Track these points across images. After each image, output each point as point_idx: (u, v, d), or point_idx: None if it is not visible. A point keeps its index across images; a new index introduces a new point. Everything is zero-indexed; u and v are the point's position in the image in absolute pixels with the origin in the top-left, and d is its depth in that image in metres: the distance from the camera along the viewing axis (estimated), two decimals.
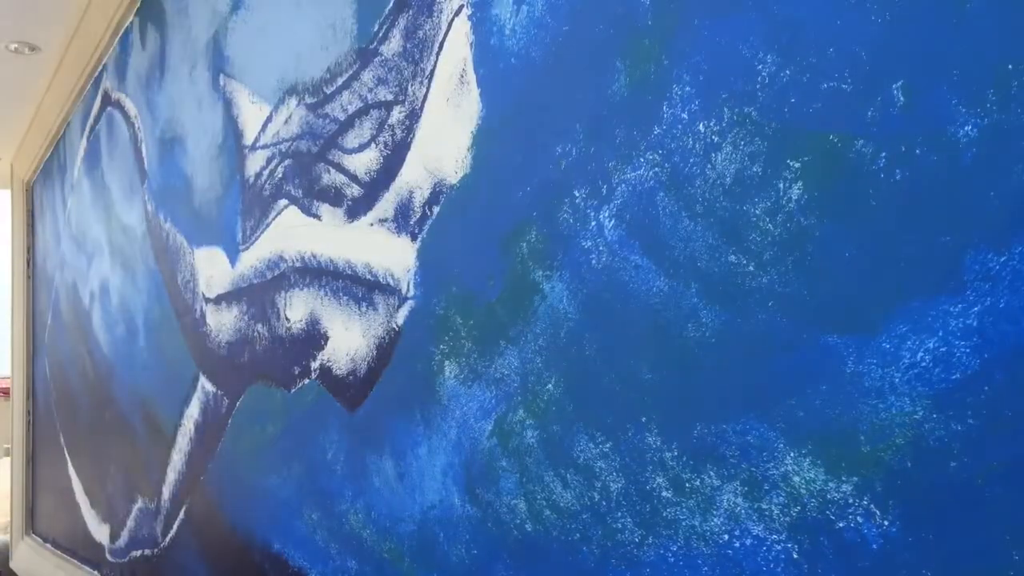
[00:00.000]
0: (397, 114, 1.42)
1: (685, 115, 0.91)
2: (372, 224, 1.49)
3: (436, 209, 1.32)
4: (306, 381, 1.73)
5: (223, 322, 2.21)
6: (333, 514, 1.64)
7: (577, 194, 1.05)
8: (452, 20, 1.28)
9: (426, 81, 1.34)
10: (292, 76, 1.81)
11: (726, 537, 0.86)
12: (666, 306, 0.92)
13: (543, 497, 1.10)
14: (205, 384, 2.33)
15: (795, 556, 0.79)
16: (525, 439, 1.13)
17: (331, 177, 1.64)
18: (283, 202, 1.85)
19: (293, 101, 1.80)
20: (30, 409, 4.82)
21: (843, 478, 0.75)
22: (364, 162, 1.52)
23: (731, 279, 0.85)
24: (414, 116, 1.37)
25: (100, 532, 3.38)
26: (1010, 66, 0.64)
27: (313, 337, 1.71)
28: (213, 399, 2.26)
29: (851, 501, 0.74)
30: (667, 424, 0.93)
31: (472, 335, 1.24)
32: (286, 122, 1.84)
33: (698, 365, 0.89)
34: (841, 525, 0.75)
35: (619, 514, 0.98)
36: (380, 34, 1.47)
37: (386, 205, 1.45)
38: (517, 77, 1.15)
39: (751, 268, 0.83)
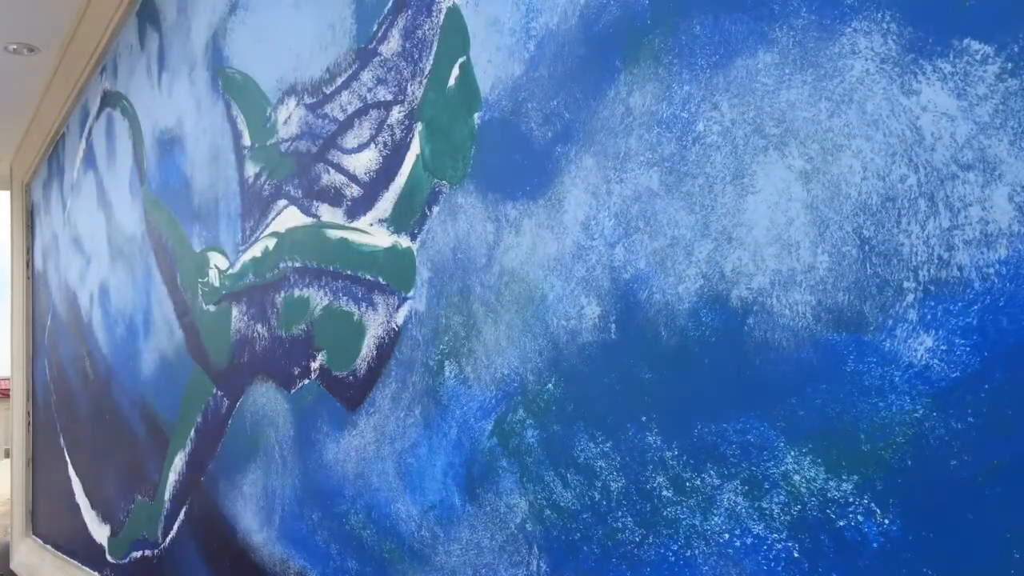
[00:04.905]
0: (396, 114, 1.42)
1: (685, 114, 0.91)
2: (372, 224, 1.49)
3: (435, 209, 1.32)
4: (306, 381, 1.73)
5: (223, 323, 2.20)
6: (333, 514, 1.64)
7: (577, 194, 1.05)
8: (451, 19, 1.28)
9: (425, 81, 1.34)
10: (291, 76, 1.81)
11: (726, 536, 0.86)
12: (666, 305, 0.92)
13: (543, 497, 1.10)
14: None
15: (795, 555, 0.79)
16: (525, 439, 1.13)
17: (330, 177, 1.64)
18: (283, 202, 1.85)
19: (292, 101, 1.80)
20: (30, 410, 4.82)
21: (843, 477, 0.75)
22: (363, 162, 1.52)
23: (731, 278, 0.85)
24: (413, 116, 1.37)
25: (100, 533, 3.38)
26: None
27: (313, 337, 1.71)
28: (213, 400, 2.26)
29: (851, 500, 0.75)
30: (667, 423, 0.93)
31: (472, 335, 1.24)
32: (285, 122, 1.84)
33: (698, 365, 0.89)
34: (842, 524, 0.75)
35: (619, 513, 0.98)
36: (379, 34, 1.47)
37: (385, 205, 1.45)
38: (517, 76, 1.15)
39: (751, 267, 0.83)
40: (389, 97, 1.44)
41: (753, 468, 0.83)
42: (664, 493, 0.93)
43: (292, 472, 1.82)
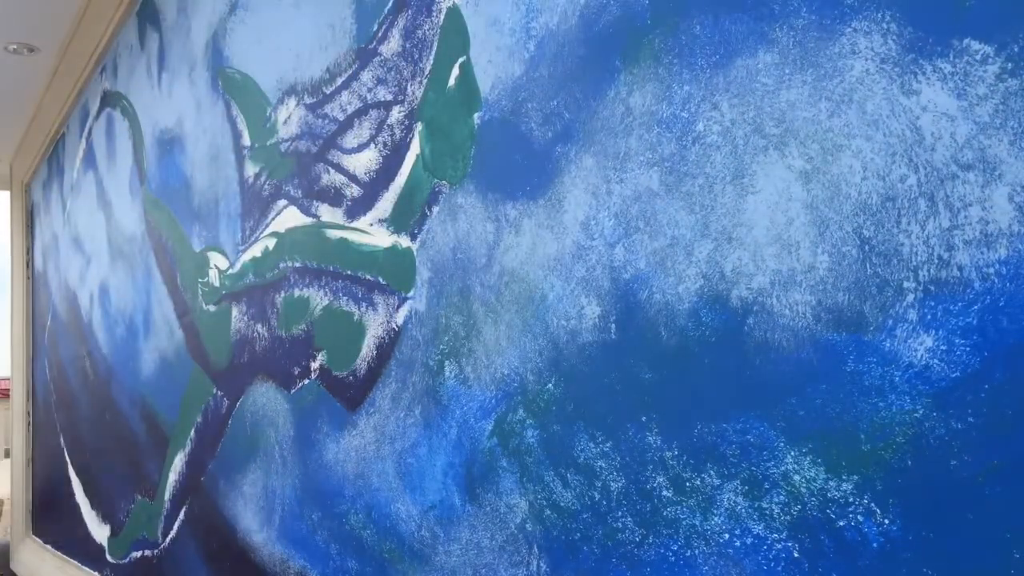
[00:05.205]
0: (396, 114, 1.42)
1: (685, 114, 0.91)
2: (372, 224, 1.49)
3: (435, 209, 1.32)
4: (306, 381, 1.73)
5: (223, 323, 2.20)
6: (333, 514, 1.64)
7: (577, 194, 1.05)
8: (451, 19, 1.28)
9: (425, 81, 1.34)
10: (291, 76, 1.81)
11: (726, 536, 0.86)
12: (666, 305, 0.92)
13: (543, 497, 1.10)
14: None
15: (795, 555, 0.79)
16: (525, 439, 1.13)
17: (330, 177, 1.64)
18: (282, 202, 1.85)
19: (292, 101, 1.80)
20: (30, 410, 4.82)
21: (843, 477, 0.75)
22: (363, 162, 1.52)
23: (731, 278, 0.85)
24: (413, 116, 1.37)
25: (100, 533, 3.38)
26: None
27: (313, 337, 1.71)
28: (213, 400, 2.26)
29: (851, 500, 0.75)
30: (667, 423, 0.93)
31: (472, 335, 1.24)
32: (285, 122, 1.84)
33: (698, 365, 0.89)
34: (841, 524, 0.75)
35: (619, 513, 0.98)
36: (379, 34, 1.47)
37: (385, 205, 1.45)
38: (517, 77, 1.15)
39: (751, 267, 0.83)
40: (389, 97, 1.44)
41: (753, 468, 0.83)
42: (664, 493, 0.93)
43: (292, 472, 1.82)
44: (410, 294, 1.39)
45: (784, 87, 0.81)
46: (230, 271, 2.15)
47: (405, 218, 1.40)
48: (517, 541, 1.15)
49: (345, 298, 1.59)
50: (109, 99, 3.26)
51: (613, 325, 0.99)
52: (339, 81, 1.61)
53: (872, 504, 0.73)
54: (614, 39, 1.00)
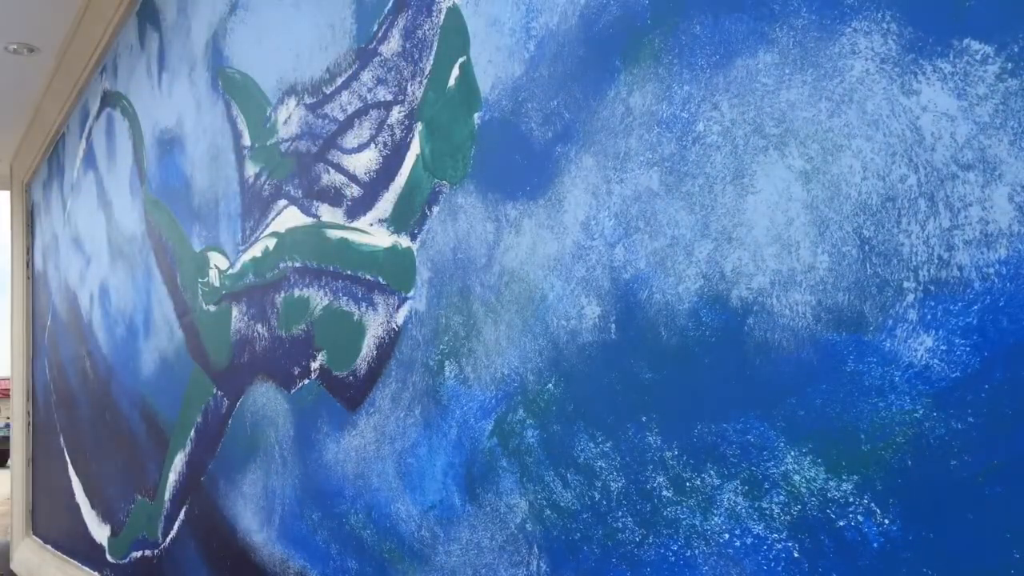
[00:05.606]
0: (396, 114, 1.42)
1: (685, 114, 0.91)
2: (372, 224, 1.49)
3: (435, 209, 1.32)
4: (306, 381, 1.73)
5: (223, 323, 2.20)
6: (333, 514, 1.64)
7: (577, 194, 1.05)
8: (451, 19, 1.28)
9: (425, 81, 1.34)
10: (291, 76, 1.81)
11: (727, 536, 0.86)
12: (666, 305, 0.92)
13: (543, 497, 1.10)
14: None
15: (795, 555, 0.79)
16: (525, 439, 1.13)
17: (330, 177, 1.64)
18: (283, 202, 1.85)
19: (292, 101, 1.80)
20: (30, 410, 4.82)
21: (843, 477, 0.75)
22: (363, 162, 1.52)
23: (731, 278, 0.85)
24: (413, 116, 1.37)
25: (100, 533, 3.38)
26: None
27: (313, 337, 1.71)
28: (213, 400, 2.26)
29: (851, 500, 0.75)
30: (667, 423, 0.93)
31: (472, 335, 1.24)
32: (285, 122, 1.84)
33: (698, 365, 0.89)
34: (842, 524, 0.75)
35: (619, 513, 0.98)
36: (379, 34, 1.47)
37: (385, 205, 1.45)
38: (517, 77, 1.15)
39: (751, 267, 0.83)
40: (389, 97, 1.44)
41: (753, 468, 0.83)
42: (664, 493, 0.93)
43: (292, 472, 1.82)
44: (410, 294, 1.39)
45: (784, 87, 0.81)
46: (230, 271, 2.15)
47: (405, 218, 1.40)
48: (517, 541, 1.15)
49: (345, 298, 1.59)
50: (109, 99, 3.26)
51: (613, 325, 0.99)
52: (339, 81, 1.61)
53: (872, 504, 0.73)
54: (614, 39, 1.00)
